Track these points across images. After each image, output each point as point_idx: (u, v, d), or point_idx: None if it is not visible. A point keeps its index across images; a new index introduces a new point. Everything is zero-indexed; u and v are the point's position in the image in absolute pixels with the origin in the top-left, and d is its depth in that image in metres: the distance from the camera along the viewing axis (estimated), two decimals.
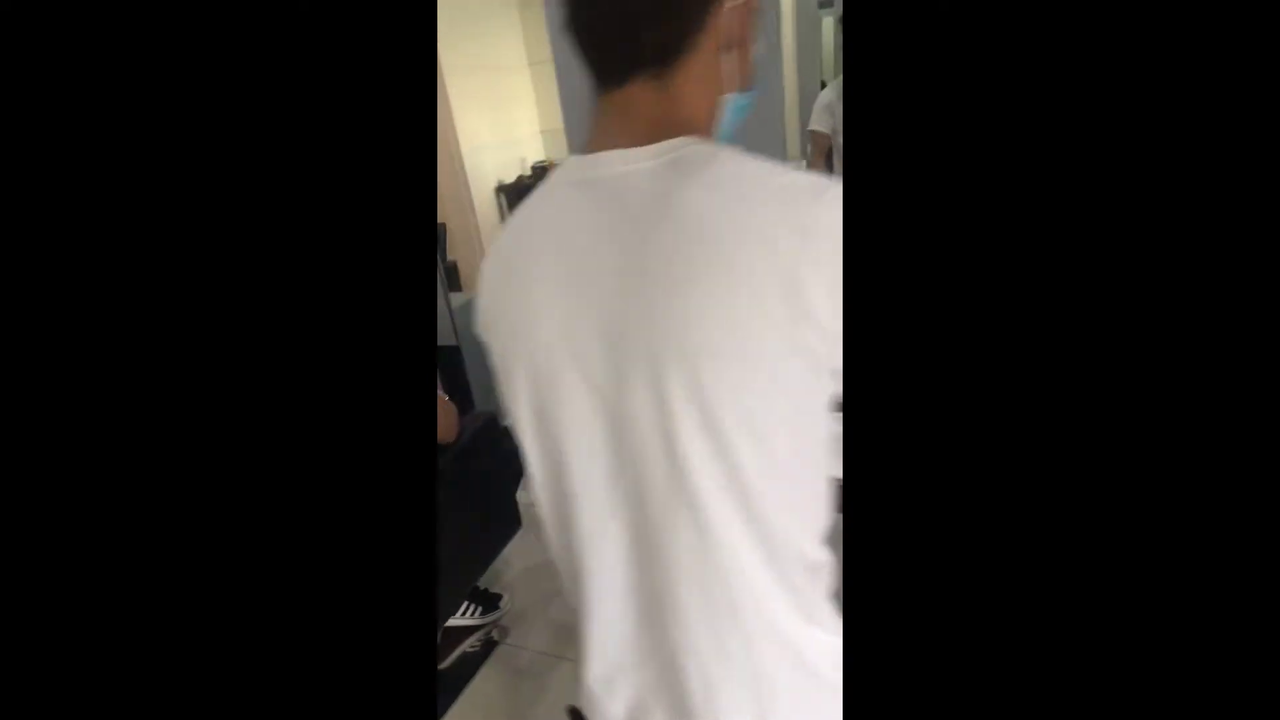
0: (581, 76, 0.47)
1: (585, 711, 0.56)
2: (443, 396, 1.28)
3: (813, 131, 2.42)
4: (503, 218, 3.95)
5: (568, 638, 1.57)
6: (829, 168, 2.40)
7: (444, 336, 2.05)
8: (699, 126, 0.46)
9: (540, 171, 3.98)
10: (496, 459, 1.45)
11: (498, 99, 3.84)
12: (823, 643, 0.48)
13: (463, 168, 3.33)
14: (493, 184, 3.88)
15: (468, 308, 2.18)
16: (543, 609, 1.67)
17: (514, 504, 1.49)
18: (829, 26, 3.21)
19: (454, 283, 2.86)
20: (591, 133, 0.47)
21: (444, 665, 1.51)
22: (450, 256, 3.15)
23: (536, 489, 0.53)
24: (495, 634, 1.61)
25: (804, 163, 2.50)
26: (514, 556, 1.74)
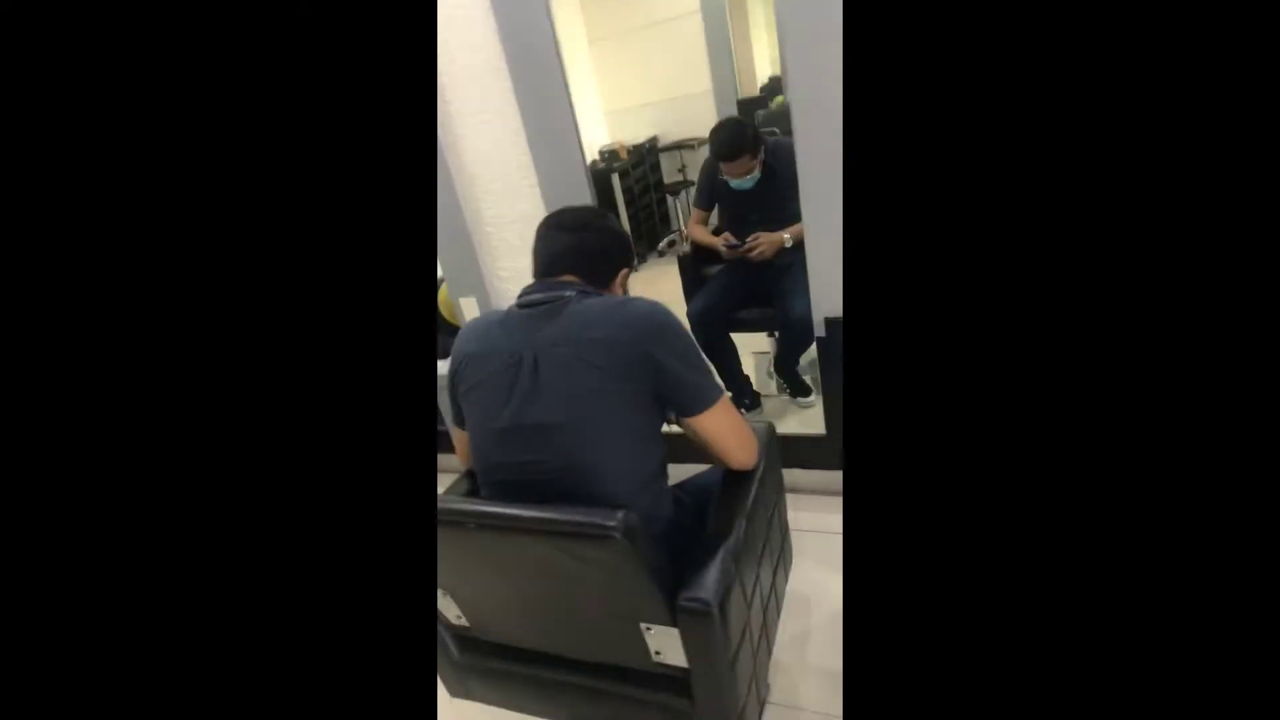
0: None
1: None
2: (739, 413, 0.99)
3: None
4: None
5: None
6: None
7: None
8: None
9: (610, 157, 3.68)
10: (776, 478, 1.16)
11: None
12: None
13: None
14: None
15: None
16: (800, 652, 1.38)
17: (788, 531, 1.21)
18: None
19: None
20: None
21: None
22: None
23: None
24: None
25: None
26: None
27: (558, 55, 1.52)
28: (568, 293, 0.95)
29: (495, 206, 1.74)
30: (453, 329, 2.32)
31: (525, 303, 0.96)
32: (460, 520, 0.80)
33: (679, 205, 3.87)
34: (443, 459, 2.21)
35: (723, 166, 1.99)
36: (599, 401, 0.87)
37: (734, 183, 1.98)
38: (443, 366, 1.71)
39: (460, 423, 1.05)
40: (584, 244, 1.01)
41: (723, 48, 3.57)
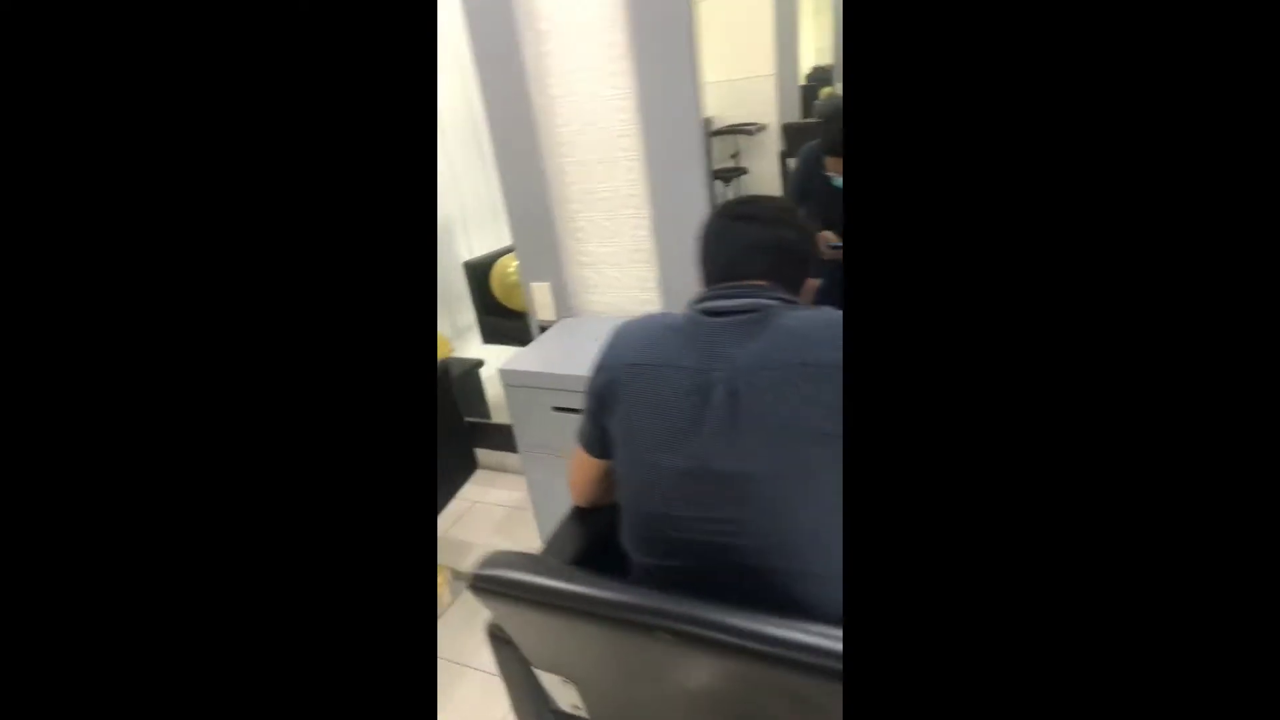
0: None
1: None
2: None
3: None
4: None
5: None
6: None
7: None
8: None
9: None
10: None
11: None
12: None
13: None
14: None
15: None
16: None
17: None
18: None
19: None
20: None
21: None
22: None
23: None
24: None
25: None
26: None
27: (689, 6, 1.28)
28: (768, 300, 0.72)
29: (585, 181, 1.51)
30: (510, 313, 2.08)
31: (714, 309, 0.73)
32: (645, 622, 0.58)
33: (731, 193, 3.64)
34: (484, 454, 1.98)
35: (828, 161, 1.76)
36: (818, 448, 0.66)
37: (837, 180, 1.76)
38: (535, 362, 1.47)
39: (597, 449, 0.83)
40: (782, 241, 0.79)
41: (789, 31, 3.34)
